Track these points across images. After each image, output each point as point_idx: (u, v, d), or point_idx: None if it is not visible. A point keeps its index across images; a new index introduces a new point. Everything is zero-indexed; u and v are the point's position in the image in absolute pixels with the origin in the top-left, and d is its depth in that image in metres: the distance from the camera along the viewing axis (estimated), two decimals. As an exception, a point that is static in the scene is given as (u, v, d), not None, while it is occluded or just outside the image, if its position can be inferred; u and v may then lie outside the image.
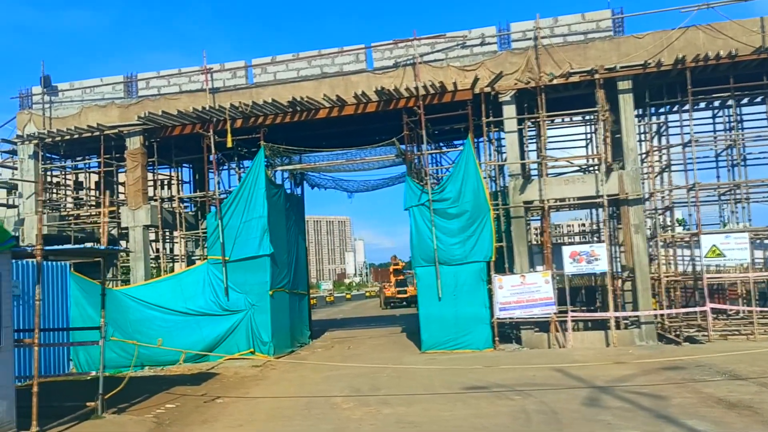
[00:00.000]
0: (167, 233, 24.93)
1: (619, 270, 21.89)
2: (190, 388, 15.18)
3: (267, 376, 17.04)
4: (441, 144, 25.14)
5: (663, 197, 22.05)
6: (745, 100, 22.14)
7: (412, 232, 20.22)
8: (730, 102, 21.51)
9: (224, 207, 20.94)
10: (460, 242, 19.58)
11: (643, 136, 22.72)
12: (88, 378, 17.13)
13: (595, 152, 23.70)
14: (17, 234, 22.44)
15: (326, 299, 75.57)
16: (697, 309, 19.76)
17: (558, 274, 19.88)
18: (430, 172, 21.53)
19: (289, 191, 24.41)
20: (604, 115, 19.63)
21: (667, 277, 20.69)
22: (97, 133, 22.29)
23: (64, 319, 18.99)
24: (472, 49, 20.81)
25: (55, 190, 25.21)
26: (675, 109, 22.49)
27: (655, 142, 22.36)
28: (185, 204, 26.07)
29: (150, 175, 24.61)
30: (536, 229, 27.70)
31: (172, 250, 25.51)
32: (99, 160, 23.00)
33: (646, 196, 21.22)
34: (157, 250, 25.86)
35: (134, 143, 22.45)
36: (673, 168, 22.02)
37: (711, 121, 22.97)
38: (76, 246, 18.43)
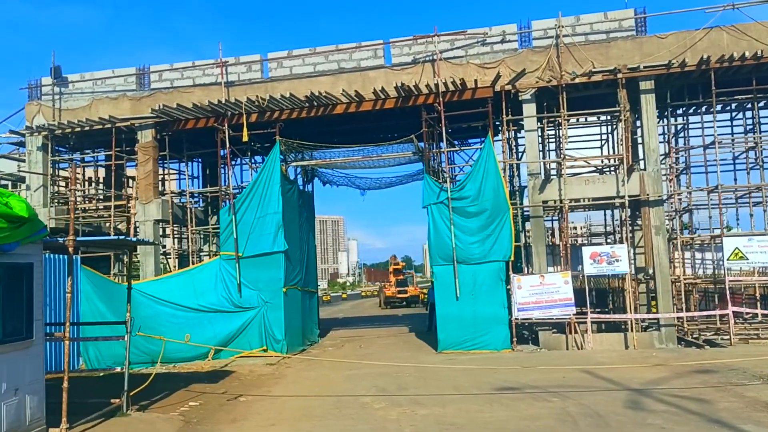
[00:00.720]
0: (176, 228, 24.54)
1: (634, 272, 21.68)
2: (209, 386, 14.84)
3: (284, 374, 16.71)
4: (455, 142, 24.87)
5: (680, 199, 21.84)
6: (762, 103, 21.96)
7: (430, 230, 19.93)
8: (748, 104, 21.40)
9: (238, 202, 20.59)
10: (479, 241, 19.31)
11: (661, 137, 22.52)
12: (100, 375, 16.80)
13: (611, 153, 23.58)
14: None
15: (323, 298, 75.24)
16: (718, 312, 19.54)
17: (573, 275, 19.66)
18: (446, 171, 21.25)
19: (300, 188, 24.11)
20: (626, 116, 19.44)
21: (686, 279, 20.45)
22: (109, 126, 21.90)
23: (74, 313, 18.57)
24: (492, 46, 20.56)
25: (64, 184, 24.75)
26: (691, 110, 22.34)
27: (673, 144, 22.13)
28: (194, 199, 25.71)
29: (160, 170, 24.22)
30: (548, 229, 27.46)
31: (180, 245, 25.10)
32: (108, 153, 22.62)
33: (665, 197, 21.03)
34: (164, 246, 25.54)
35: (146, 136, 22.08)
36: (693, 170, 21.80)
37: (729, 123, 22.77)
38: (108, 237, 18.01)
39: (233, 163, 23.60)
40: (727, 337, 18.58)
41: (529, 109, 20.08)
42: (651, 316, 19.50)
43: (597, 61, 19.58)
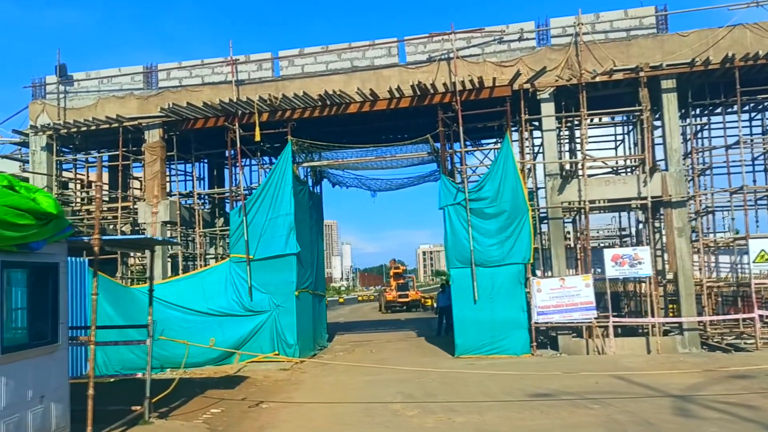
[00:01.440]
0: (182, 230, 23.99)
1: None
2: (226, 392, 14.32)
3: (301, 380, 16.20)
4: (468, 143, 24.45)
5: (700, 200, 21.47)
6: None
7: (447, 232, 19.45)
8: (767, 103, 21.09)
9: (249, 203, 20.07)
10: (497, 243, 18.85)
11: (682, 137, 22.16)
12: (111, 380, 16.25)
13: (629, 153, 23.22)
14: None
15: (320, 302, 74.67)
16: (743, 315, 19.14)
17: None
18: (461, 171, 20.80)
19: (310, 189, 23.61)
20: (647, 115, 19.06)
21: (710, 282, 20.06)
22: (116, 125, 21.33)
23: (82, 317, 18.05)
24: (510, 44, 20.15)
25: (73, 185, 24.17)
26: (707, 110, 21.99)
27: (694, 144, 21.76)
28: (201, 201, 25.16)
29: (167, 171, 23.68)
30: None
31: (187, 247, 24.53)
32: (115, 153, 22.06)
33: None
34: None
35: (153, 136, 21.53)
36: (714, 171, 21.40)
37: (748, 123, 22.43)
38: (132, 236, 17.50)
39: (242, 163, 23.10)
40: (752, 341, 18.19)
41: (548, 109, 19.67)
42: (675, 320, 19.09)
43: (617, 59, 19.21)
